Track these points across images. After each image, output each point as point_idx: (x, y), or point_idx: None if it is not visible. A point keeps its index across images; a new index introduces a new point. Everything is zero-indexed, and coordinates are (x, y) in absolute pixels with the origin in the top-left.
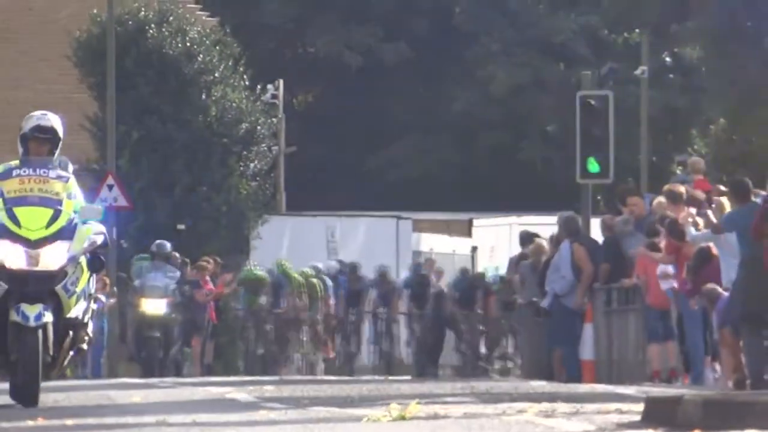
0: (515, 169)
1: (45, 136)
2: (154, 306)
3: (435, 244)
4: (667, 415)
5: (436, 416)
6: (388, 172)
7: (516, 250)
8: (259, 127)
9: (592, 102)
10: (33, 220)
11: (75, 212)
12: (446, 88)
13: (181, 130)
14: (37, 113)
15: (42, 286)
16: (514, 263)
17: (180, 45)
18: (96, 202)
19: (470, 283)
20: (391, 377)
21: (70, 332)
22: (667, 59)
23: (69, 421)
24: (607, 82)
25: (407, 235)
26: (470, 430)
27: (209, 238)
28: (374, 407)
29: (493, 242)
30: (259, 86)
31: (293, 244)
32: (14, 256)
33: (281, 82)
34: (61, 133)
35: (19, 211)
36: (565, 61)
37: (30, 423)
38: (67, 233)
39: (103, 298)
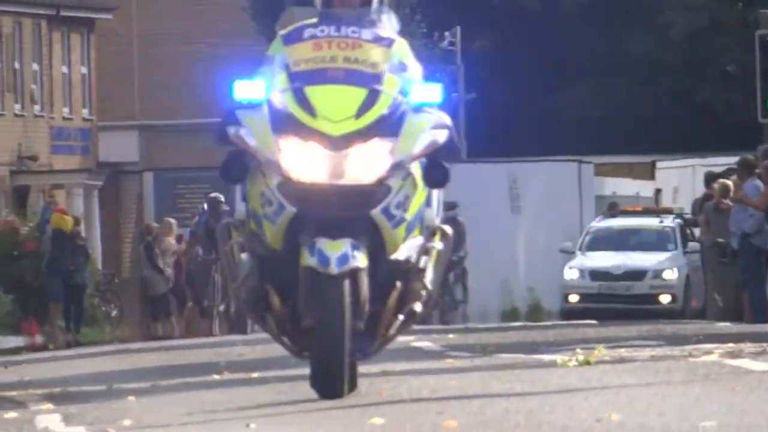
0: (696, 111)
1: None
2: None
3: (618, 187)
4: None
5: (622, 360)
6: (567, 116)
7: (699, 191)
8: (438, 75)
9: None
10: (336, 105)
11: (403, 94)
12: (624, 33)
13: None
14: None
15: (351, 210)
16: (698, 204)
17: None
18: None
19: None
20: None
21: (397, 284)
22: None
23: (254, 374)
24: None
25: (589, 179)
26: (657, 372)
27: None
28: (560, 352)
29: (676, 184)
30: (436, 34)
31: (475, 192)
32: (306, 162)
33: (458, 29)
34: None
35: (315, 92)
36: (743, 0)
37: (216, 377)
38: (389, 126)
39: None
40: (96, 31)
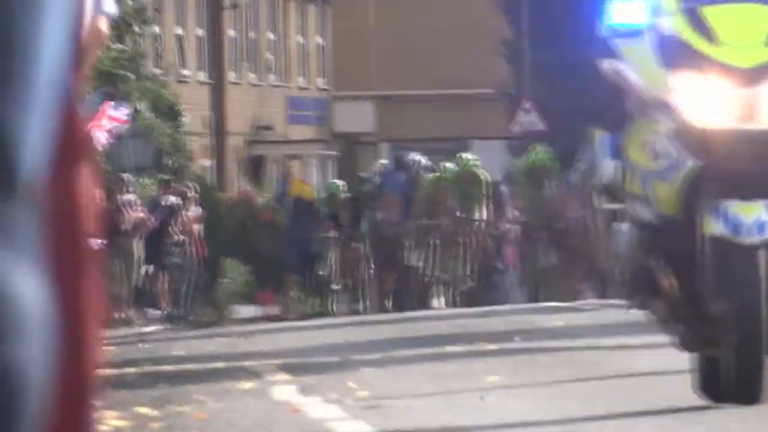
0: None
1: None
2: None
3: None
4: None
5: None
6: None
7: None
8: None
9: None
10: (742, 29)
11: None
12: None
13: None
14: None
15: (766, 163)
16: None
17: None
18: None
19: None
20: None
21: None
22: None
23: (490, 346)
24: None
25: None
26: None
27: None
28: None
29: None
30: None
31: None
32: (709, 103)
33: None
34: None
35: (714, 14)
36: None
37: (449, 348)
38: None
39: None
40: (332, 1)
